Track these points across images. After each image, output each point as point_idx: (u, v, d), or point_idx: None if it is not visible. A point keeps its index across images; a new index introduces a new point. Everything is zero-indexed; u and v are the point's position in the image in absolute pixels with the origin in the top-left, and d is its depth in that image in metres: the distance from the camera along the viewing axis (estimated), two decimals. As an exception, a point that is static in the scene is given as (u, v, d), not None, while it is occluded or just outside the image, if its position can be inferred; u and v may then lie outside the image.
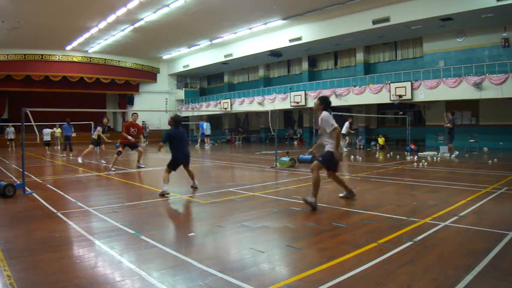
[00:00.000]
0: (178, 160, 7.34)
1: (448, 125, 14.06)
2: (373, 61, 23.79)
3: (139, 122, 12.43)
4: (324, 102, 5.84)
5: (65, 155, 16.71)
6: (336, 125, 5.64)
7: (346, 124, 16.89)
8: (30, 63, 27.42)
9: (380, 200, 6.35)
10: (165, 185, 6.91)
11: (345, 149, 17.76)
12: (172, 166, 7.27)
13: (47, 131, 19.71)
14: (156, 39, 25.68)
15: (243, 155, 17.55)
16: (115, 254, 3.69)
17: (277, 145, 12.51)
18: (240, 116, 32.75)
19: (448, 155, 14.14)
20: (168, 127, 9.14)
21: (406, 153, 16.19)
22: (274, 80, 29.92)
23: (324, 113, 5.74)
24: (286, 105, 24.58)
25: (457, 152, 14.05)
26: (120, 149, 11.43)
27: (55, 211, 5.62)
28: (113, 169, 10.95)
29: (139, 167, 11.52)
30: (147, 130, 28.88)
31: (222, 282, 2.99)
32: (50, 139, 19.91)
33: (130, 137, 11.14)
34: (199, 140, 23.84)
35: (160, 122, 32.15)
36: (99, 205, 6.10)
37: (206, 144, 22.60)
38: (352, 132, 18.01)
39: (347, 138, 17.69)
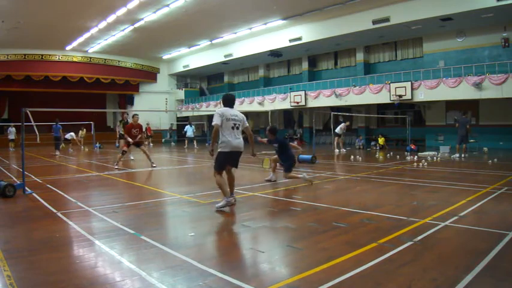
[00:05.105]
0: None
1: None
2: (373, 61, 23.78)
3: (142, 122, 12.66)
4: None
5: (57, 154, 17.17)
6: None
7: (342, 125, 17.34)
8: (30, 63, 27.36)
9: (380, 200, 6.35)
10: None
11: (343, 149, 17.83)
12: None
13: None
14: (156, 39, 25.64)
15: (243, 155, 17.50)
16: (115, 254, 3.68)
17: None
18: (240, 116, 32.69)
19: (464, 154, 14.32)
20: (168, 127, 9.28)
21: (406, 153, 16.19)
22: (274, 80, 29.89)
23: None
24: (286, 105, 24.55)
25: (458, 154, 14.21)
26: (124, 148, 11.59)
27: (55, 211, 5.61)
28: (116, 166, 11.34)
29: (153, 167, 11.46)
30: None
31: (222, 282, 2.99)
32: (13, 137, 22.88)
33: (130, 139, 11.30)
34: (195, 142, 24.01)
35: (160, 122, 32.10)
36: (99, 205, 6.09)
37: (185, 145, 23.69)
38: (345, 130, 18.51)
39: (340, 138, 17.81)
